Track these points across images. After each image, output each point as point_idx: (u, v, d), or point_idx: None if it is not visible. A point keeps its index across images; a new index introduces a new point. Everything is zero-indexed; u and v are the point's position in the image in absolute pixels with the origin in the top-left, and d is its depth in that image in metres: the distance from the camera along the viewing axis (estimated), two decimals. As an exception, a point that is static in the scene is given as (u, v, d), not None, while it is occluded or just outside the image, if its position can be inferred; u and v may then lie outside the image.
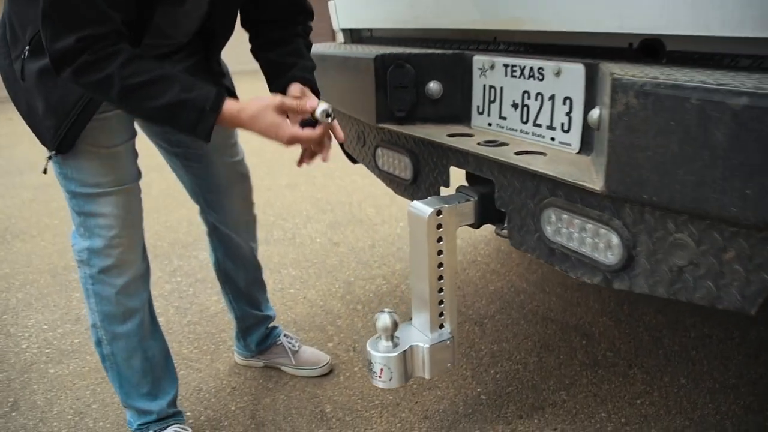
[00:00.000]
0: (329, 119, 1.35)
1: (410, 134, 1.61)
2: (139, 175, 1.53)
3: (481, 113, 1.61)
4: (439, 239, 1.41)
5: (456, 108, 1.68)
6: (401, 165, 1.73)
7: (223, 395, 1.99)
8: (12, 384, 2.07)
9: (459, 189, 1.49)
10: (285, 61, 1.56)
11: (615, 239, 1.10)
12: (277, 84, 1.54)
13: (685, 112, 0.91)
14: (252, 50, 1.64)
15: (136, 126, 1.57)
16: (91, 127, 1.37)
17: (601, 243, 1.14)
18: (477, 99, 1.62)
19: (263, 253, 1.89)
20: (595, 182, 1.11)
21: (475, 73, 1.60)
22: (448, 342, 1.49)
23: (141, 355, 1.59)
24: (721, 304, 0.98)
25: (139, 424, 1.65)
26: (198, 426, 1.83)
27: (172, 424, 1.67)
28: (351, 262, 3.03)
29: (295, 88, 1.49)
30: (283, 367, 2.10)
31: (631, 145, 1.00)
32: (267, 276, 2.13)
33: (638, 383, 1.98)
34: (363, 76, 1.73)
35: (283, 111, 1.31)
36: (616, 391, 1.95)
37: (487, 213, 1.45)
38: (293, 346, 2.09)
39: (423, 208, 1.39)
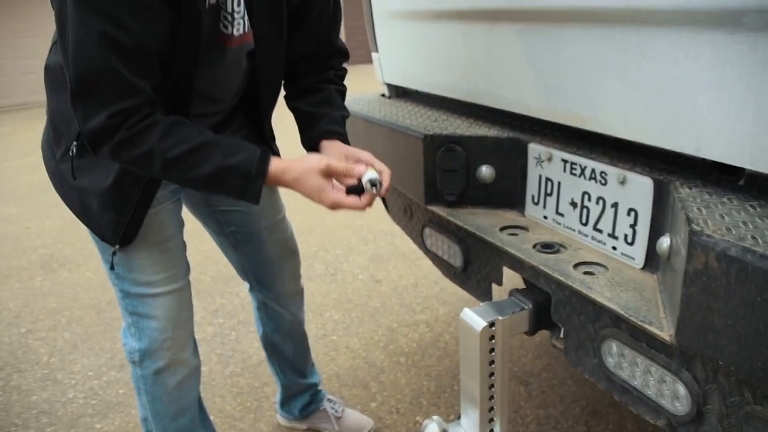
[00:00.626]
0: (375, 189, 1.27)
1: (461, 225, 1.56)
2: (188, 269, 1.51)
3: (537, 203, 1.54)
4: (492, 350, 1.36)
5: (509, 194, 1.62)
6: (450, 251, 1.68)
7: (268, 463, 1.98)
8: (61, 442, 2.11)
9: (513, 293, 1.44)
10: (316, 112, 1.48)
11: (683, 391, 1.04)
12: (308, 137, 1.48)
13: (775, 292, 0.84)
14: (284, 98, 1.59)
15: (184, 208, 1.55)
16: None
17: (667, 390, 1.08)
18: (532, 188, 1.55)
19: (305, 290, 1.87)
20: (664, 328, 1.05)
21: (531, 161, 1.53)
22: (499, 449, 1.45)
23: None
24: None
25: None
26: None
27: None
28: (394, 304, 2.99)
29: (331, 146, 1.43)
30: None
31: (708, 307, 0.93)
32: (309, 319, 2.12)
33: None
34: (411, 153, 1.68)
35: (329, 174, 1.24)
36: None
37: (542, 321, 1.39)
38: (336, 411, 2.07)
39: (475, 319, 1.34)
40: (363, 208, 1.28)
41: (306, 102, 1.51)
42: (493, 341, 1.35)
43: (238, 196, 1.21)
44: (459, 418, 1.52)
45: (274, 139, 1.65)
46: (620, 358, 1.16)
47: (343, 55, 1.58)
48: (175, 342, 1.47)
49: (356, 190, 1.28)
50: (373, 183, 1.26)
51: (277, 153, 1.64)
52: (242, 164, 1.17)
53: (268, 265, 1.75)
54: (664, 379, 1.07)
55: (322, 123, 1.47)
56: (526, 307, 1.38)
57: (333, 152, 1.41)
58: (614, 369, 1.18)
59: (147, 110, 1.12)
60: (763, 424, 0.93)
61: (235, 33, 1.28)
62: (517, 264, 1.41)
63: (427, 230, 1.78)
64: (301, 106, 1.51)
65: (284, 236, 1.77)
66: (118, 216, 1.31)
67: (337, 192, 1.23)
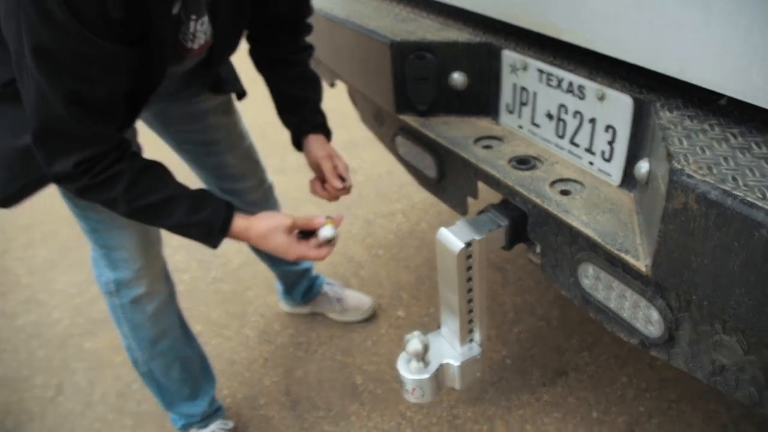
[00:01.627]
0: (330, 243, 1.36)
1: (434, 138, 1.51)
2: None
3: (511, 112, 1.49)
4: (469, 268, 1.37)
5: (483, 102, 1.56)
6: (424, 162, 1.64)
7: (257, 368, 2.06)
8: (53, 363, 2.16)
9: (489, 209, 1.42)
10: (298, 95, 1.50)
11: (656, 316, 1.07)
12: (294, 128, 1.52)
13: (757, 239, 0.83)
14: (255, 62, 1.53)
15: (141, 123, 1.49)
16: None
17: (641, 314, 1.10)
18: (506, 96, 1.49)
19: (280, 185, 1.87)
20: (640, 257, 1.06)
21: (505, 69, 1.46)
22: (478, 356, 1.50)
23: (179, 367, 1.63)
24: (762, 409, 0.97)
25: (183, 425, 1.73)
26: (236, 406, 1.92)
27: (215, 420, 1.75)
28: (369, 193, 2.99)
29: (317, 144, 1.51)
30: (329, 315, 2.22)
31: (685, 246, 0.93)
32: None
33: (659, 341, 2.02)
34: (378, 60, 1.59)
35: (293, 230, 1.32)
36: (637, 350, 2.00)
37: (519, 237, 1.39)
38: (337, 293, 2.19)
39: (452, 240, 1.33)
40: (323, 258, 1.34)
41: (283, 79, 1.52)
42: (471, 260, 1.36)
43: (201, 243, 1.26)
44: (439, 328, 1.57)
45: (237, 79, 1.61)
46: (596, 281, 1.18)
47: (310, 13, 1.55)
48: (149, 271, 1.47)
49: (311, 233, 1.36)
50: (329, 240, 1.34)
51: (242, 92, 1.63)
52: (205, 221, 1.21)
53: (230, 177, 1.72)
54: (638, 304, 1.10)
55: (305, 111, 1.51)
56: (502, 224, 1.37)
57: (319, 151, 1.50)
58: (590, 290, 1.20)
59: (114, 156, 1.09)
60: (729, 352, 0.97)
61: (196, 47, 1.23)
62: (493, 182, 1.39)
63: (399, 139, 1.73)
64: (282, 87, 1.52)
65: (244, 146, 1.72)
66: (20, 180, 1.21)
67: (299, 246, 1.30)
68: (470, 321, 1.48)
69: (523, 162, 1.36)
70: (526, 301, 2.24)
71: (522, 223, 1.36)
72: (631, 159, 1.21)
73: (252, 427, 1.85)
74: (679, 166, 0.92)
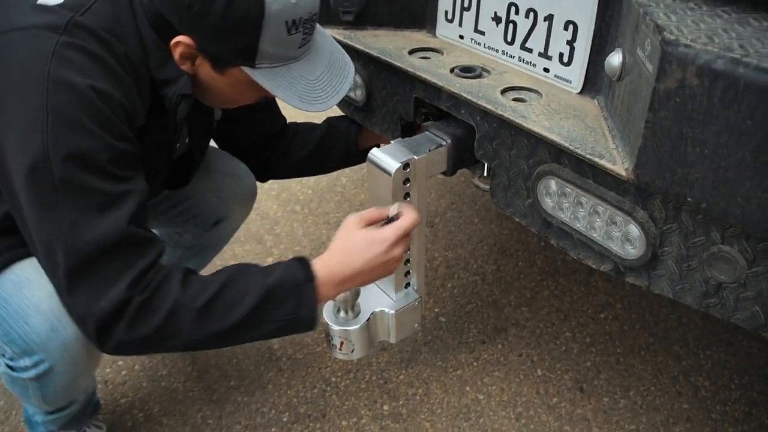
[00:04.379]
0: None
1: (361, 49, 1.28)
2: None
3: (450, 21, 1.28)
4: (407, 195, 1.16)
5: (417, 11, 1.34)
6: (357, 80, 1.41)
7: (156, 335, 1.78)
8: None
9: (428, 127, 1.22)
10: (321, 144, 1.50)
11: (636, 232, 0.89)
12: (344, 149, 1.50)
13: (774, 111, 0.66)
14: (285, 174, 1.62)
15: None
16: None
17: (617, 232, 0.93)
18: (445, 3, 1.28)
19: None
20: (617, 161, 0.88)
21: (442, -34, 1.25)
22: (416, 303, 1.30)
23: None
24: (765, 331, 0.82)
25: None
26: (133, 378, 1.64)
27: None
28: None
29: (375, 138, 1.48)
30: None
31: (680, 135, 0.75)
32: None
33: (600, 293, 1.90)
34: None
35: (367, 223, 1.10)
36: (579, 303, 1.86)
37: (463, 159, 1.19)
38: None
39: (387, 161, 1.11)
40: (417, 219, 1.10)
41: (302, 152, 1.51)
42: (408, 185, 1.15)
43: (292, 320, 1.02)
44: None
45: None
46: (560, 198, 0.99)
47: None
48: None
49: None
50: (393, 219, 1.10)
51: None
52: (286, 275, 1.01)
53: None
54: (613, 219, 0.92)
55: (337, 131, 1.50)
56: (444, 142, 1.16)
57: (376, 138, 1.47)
58: (552, 211, 1.02)
59: (159, 263, 0.97)
60: (729, 265, 0.81)
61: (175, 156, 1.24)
62: (433, 92, 1.17)
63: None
64: (305, 156, 1.51)
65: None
66: None
67: (386, 228, 1.07)
68: (406, 261, 1.27)
69: (468, 70, 1.16)
70: (459, 256, 2.07)
71: (467, 141, 1.16)
72: (595, 58, 1.03)
73: (152, 401, 1.57)
74: (672, 37, 0.74)
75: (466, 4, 1.23)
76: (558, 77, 1.10)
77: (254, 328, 1.00)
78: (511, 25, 1.15)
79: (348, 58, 1.10)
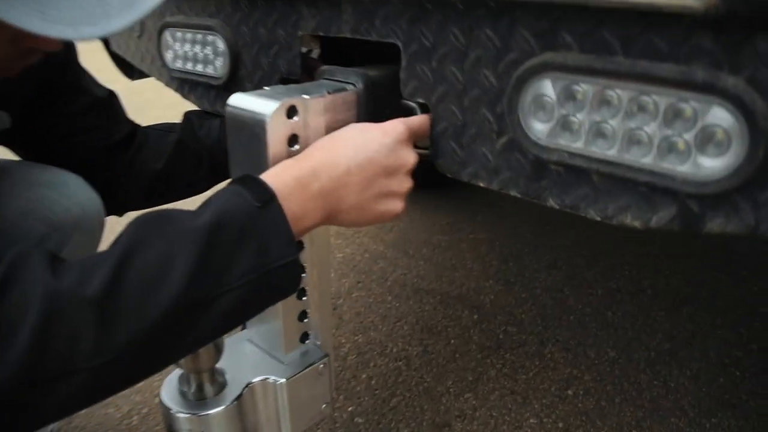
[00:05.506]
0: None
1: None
2: None
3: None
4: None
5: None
6: (207, 52, 0.97)
7: None
8: None
9: (324, 73, 0.78)
10: (179, 150, 1.03)
11: (724, 118, 0.48)
12: None
13: None
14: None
15: None
16: None
17: (682, 136, 0.51)
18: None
19: None
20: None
21: None
22: (321, 365, 0.79)
23: None
24: None
25: None
26: None
27: None
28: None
29: None
30: None
31: None
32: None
33: (560, 365, 1.46)
34: None
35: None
36: (538, 381, 1.40)
37: (384, 108, 0.76)
38: None
39: (259, 104, 0.66)
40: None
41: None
42: (297, 148, 0.69)
43: (260, 276, 0.58)
44: (243, 328, 0.84)
45: None
46: (564, 109, 0.57)
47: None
48: None
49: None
50: None
51: None
52: (228, 207, 0.58)
53: None
54: (676, 112, 0.50)
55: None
56: (350, 86, 0.73)
57: None
58: (550, 138, 0.58)
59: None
60: None
61: None
62: (329, 15, 0.76)
63: (167, 35, 1.03)
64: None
65: None
66: None
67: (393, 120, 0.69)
68: (303, 293, 0.78)
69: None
70: (372, 340, 1.57)
71: (387, 81, 0.74)
72: None
73: None
74: None
75: None
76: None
77: (202, 309, 0.56)
78: None
79: None
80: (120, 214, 1.07)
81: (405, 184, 0.68)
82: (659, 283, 1.81)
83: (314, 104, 0.68)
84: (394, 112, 0.76)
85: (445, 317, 1.66)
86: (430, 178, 2.47)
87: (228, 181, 0.65)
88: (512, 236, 2.12)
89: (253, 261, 0.57)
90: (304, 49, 0.83)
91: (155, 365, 0.57)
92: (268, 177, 0.61)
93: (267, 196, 0.59)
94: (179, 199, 1.09)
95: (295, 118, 0.67)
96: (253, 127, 0.66)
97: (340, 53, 0.86)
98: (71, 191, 0.96)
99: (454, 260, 1.97)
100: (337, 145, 0.65)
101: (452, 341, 1.56)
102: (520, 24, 0.58)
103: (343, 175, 0.63)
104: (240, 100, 0.68)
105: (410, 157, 0.67)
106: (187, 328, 0.56)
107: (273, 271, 0.58)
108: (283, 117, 0.66)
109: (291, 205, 0.60)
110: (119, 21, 0.55)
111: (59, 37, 0.51)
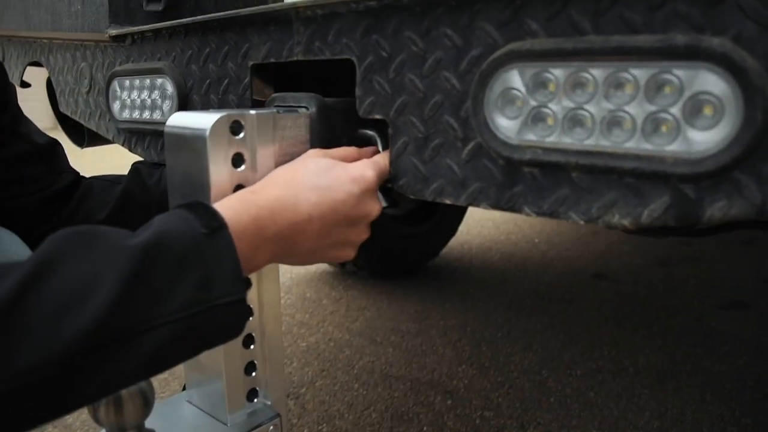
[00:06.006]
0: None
1: (170, 27, 0.83)
2: None
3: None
4: (239, 188, 0.62)
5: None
6: (154, 96, 0.91)
7: None
8: None
9: (274, 100, 0.73)
10: (125, 200, 0.93)
11: (716, 84, 0.43)
12: None
13: None
14: None
15: None
16: None
17: (669, 111, 0.46)
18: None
19: None
20: None
21: None
22: (272, 427, 0.68)
23: None
24: None
25: None
26: None
27: None
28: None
29: None
30: None
31: None
32: None
33: (547, 448, 1.33)
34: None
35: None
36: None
37: (338, 133, 0.70)
38: None
39: (199, 120, 0.59)
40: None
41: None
42: (242, 168, 0.62)
43: (200, 312, 0.49)
44: (183, 389, 0.73)
45: None
46: (534, 98, 0.52)
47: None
48: None
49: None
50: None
51: None
52: (170, 231, 0.51)
53: None
54: (658, 85, 0.45)
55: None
56: (301, 109, 0.68)
57: None
58: (521, 135, 0.53)
59: None
60: None
61: None
62: (275, 42, 0.72)
63: (116, 85, 0.98)
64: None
65: None
66: None
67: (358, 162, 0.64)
68: (250, 340, 0.68)
69: None
70: (338, 428, 1.43)
71: (340, 106, 0.69)
72: None
73: None
74: None
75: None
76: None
77: (126, 342, 0.46)
78: None
79: None
80: None
81: (364, 234, 0.63)
82: (640, 360, 1.72)
83: (261, 120, 0.62)
84: (350, 141, 0.70)
85: (416, 404, 1.53)
86: (398, 267, 2.42)
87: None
88: (484, 321, 2.03)
89: (193, 294, 0.49)
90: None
91: (60, 405, 0.47)
92: (222, 207, 0.54)
93: (216, 224, 0.52)
94: None
95: (241, 134, 0.61)
96: (193, 144, 0.59)
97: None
98: (4, 248, 0.87)
99: (425, 346, 1.86)
100: (298, 184, 0.59)
101: (425, 428, 1.43)
102: (481, 17, 0.54)
103: (303, 222, 0.57)
104: (179, 119, 0.61)
105: (375, 208, 0.62)
106: (105, 363, 0.46)
107: (215, 309, 0.50)
108: (226, 132, 0.59)
109: (242, 244, 0.53)
110: None
111: None
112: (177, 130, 0.61)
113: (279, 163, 0.64)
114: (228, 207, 0.54)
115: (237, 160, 0.61)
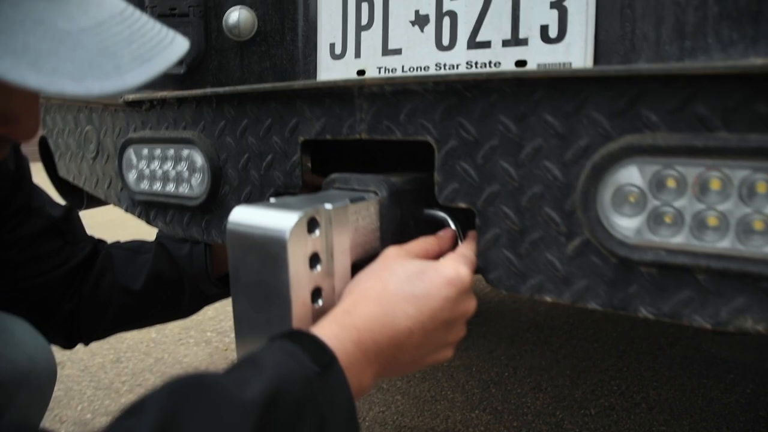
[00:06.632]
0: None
1: (203, 94, 0.77)
2: None
3: (341, 55, 0.84)
4: (316, 294, 0.57)
5: (286, 51, 0.88)
6: (180, 169, 0.85)
7: None
8: None
9: (333, 182, 0.68)
10: (152, 276, 0.88)
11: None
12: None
13: None
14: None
15: None
16: None
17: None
18: (327, 32, 0.84)
19: None
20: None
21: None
22: None
23: None
24: None
25: None
26: None
27: None
28: (85, 389, 1.91)
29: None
30: None
31: None
32: None
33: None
34: None
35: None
36: None
37: (410, 220, 0.65)
38: None
39: (273, 218, 0.54)
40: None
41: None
42: (318, 269, 0.56)
43: None
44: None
45: None
46: (662, 193, 0.49)
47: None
48: None
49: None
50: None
51: None
52: (282, 374, 0.45)
53: None
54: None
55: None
56: (368, 195, 0.63)
57: None
58: (647, 237, 0.50)
59: None
60: None
61: None
62: (339, 116, 0.67)
63: (131, 153, 0.91)
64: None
65: None
66: None
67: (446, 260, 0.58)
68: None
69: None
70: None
71: (413, 186, 0.64)
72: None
73: None
74: None
75: (364, 21, 0.80)
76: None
77: None
78: (446, 20, 0.73)
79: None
80: (86, 344, 0.91)
81: (461, 333, 0.60)
82: (651, 396, 1.71)
83: (338, 215, 0.57)
84: (419, 223, 0.66)
85: None
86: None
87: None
88: (488, 360, 1.99)
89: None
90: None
91: None
92: (326, 337, 0.49)
93: (326, 359, 0.47)
94: (154, 324, 0.94)
95: (316, 232, 0.56)
96: (268, 246, 0.53)
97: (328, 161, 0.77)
98: (17, 340, 0.78)
99: (433, 391, 1.81)
100: (393, 297, 0.54)
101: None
102: (590, 105, 0.50)
103: (404, 338, 0.53)
104: (246, 215, 0.56)
105: (472, 305, 0.58)
106: None
107: None
108: (304, 232, 0.54)
109: (350, 375, 0.48)
110: (134, 76, 0.43)
111: (59, 93, 0.39)
112: (245, 230, 0.55)
113: (353, 258, 0.59)
114: (332, 336, 0.49)
115: (313, 261, 0.56)
